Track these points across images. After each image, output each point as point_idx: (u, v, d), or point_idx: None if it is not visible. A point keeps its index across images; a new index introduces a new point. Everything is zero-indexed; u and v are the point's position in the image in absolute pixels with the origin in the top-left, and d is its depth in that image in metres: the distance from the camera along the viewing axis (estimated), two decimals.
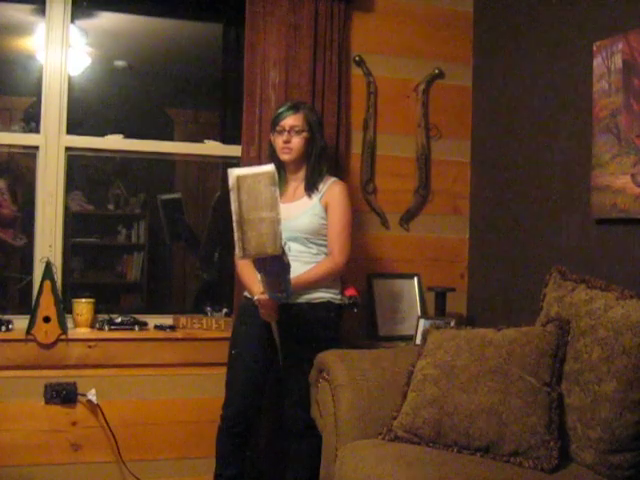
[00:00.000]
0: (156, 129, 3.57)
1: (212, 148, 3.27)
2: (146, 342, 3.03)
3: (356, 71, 3.27)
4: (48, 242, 3.00)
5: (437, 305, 3.16)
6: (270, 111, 3.05)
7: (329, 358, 2.52)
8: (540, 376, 2.11)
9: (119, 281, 4.80)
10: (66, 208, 3.09)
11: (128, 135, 3.18)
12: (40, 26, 3.08)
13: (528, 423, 2.06)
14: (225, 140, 3.31)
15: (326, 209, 2.74)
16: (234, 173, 2.21)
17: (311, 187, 2.76)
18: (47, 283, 2.89)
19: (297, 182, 2.81)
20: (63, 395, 2.91)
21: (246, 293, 2.79)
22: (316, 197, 2.75)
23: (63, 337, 2.91)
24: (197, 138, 3.33)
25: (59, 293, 2.91)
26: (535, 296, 2.53)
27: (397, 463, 2.03)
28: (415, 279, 3.32)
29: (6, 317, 2.95)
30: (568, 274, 2.39)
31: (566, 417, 2.11)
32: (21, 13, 3.14)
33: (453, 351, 2.25)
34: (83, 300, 3.03)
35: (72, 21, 3.06)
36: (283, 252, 2.30)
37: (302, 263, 2.67)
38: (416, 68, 3.35)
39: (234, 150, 3.20)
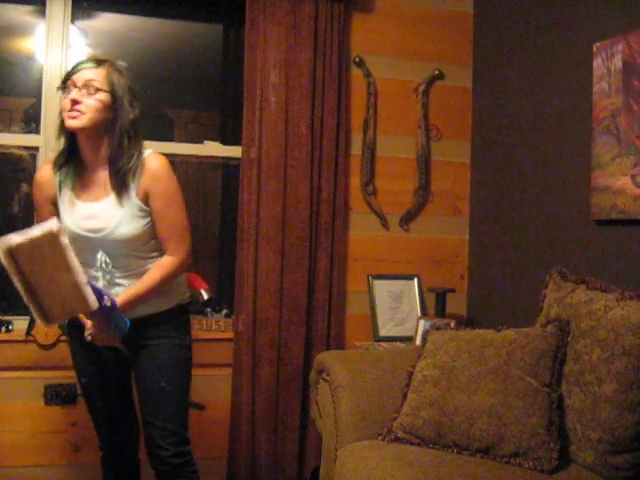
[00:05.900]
0: (156, 129, 3.56)
1: (212, 149, 3.27)
2: None
3: (356, 72, 3.27)
4: None
5: (437, 306, 3.16)
6: (270, 112, 3.05)
7: (329, 359, 2.52)
8: (540, 377, 2.11)
9: None
10: None
11: None
12: (40, 27, 3.08)
13: (528, 424, 2.06)
14: (225, 141, 3.31)
15: (146, 200, 2.10)
16: (3, 246, 1.68)
17: (120, 181, 2.07)
18: None
19: (100, 170, 2.12)
20: (63, 396, 2.91)
21: None
22: (130, 191, 2.10)
23: (63, 338, 2.91)
24: (197, 139, 3.32)
25: None
26: (535, 297, 2.53)
27: (397, 464, 2.03)
28: (415, 280, 3.32)
29: (6, 318, 2.95)
30: (568, 275, 2.39)
31: (566, 418, 2.11)
32: (21, 14, 3.14)
33: (453, 352, 2.25)
34: None
35: (72, 21, 3.07)
36: (101, 297, 1.87)
37: (136, 276, 2.15)
38: (416, 69, 3.35)
39: (234, 151, 3.20)
